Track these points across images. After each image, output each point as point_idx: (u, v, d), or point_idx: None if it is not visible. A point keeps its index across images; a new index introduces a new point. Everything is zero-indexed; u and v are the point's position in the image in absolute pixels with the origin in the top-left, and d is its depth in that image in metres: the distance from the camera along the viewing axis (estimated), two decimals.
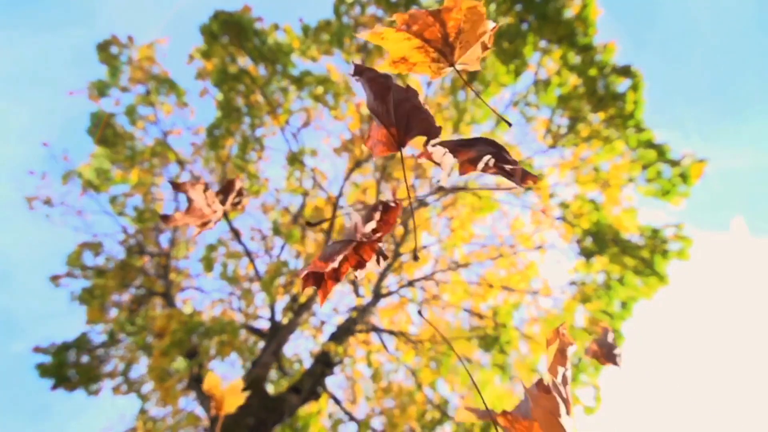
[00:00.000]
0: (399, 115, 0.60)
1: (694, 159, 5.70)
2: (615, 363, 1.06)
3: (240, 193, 0.59)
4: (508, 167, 0.57)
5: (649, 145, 5.85)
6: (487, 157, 0.58)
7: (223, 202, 0.56)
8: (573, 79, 5.93)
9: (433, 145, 0.60)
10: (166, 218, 0.56)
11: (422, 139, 0.60)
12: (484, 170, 0.58)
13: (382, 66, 0.64)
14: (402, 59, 0.63)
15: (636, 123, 5.81)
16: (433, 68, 0.64)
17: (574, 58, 5.81)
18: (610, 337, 1.10)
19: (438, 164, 0.60)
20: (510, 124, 0.63)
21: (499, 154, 0.58)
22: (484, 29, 0.61)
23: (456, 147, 0.60)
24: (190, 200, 0.52)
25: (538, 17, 5.61)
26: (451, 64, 0.63)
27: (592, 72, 5.76)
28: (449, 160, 0.60)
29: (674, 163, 5.77)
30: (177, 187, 0.54)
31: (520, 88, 6.33)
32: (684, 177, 5.71)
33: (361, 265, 0.60)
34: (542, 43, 5.83)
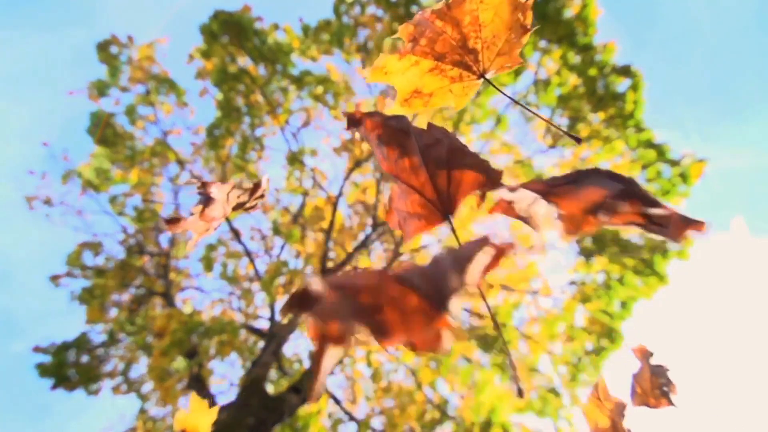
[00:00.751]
0: (432, 167, 0.41)
1: (694, 159, 5.70)
2: (670, 402, 0.74)
3: (262, 195, 0.58)
4: (654, 214, 0.32)
5: (649, 145, 5.86)
6: (614, 200, 0.34)
7: (242, 204, 0.54)
8: (573, 79, 5.93)
9: (513, 191, 0.37)
10: (171, 222, 0.54)
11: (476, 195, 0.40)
12: (612, 222, 0.33)
13: (391, 109, 0.50)
14: (414, 93, 0.48)
15: (636, 123, 5.81)
16: (455, 92, 0.48)
17: (574, 58, 5.82)
18: (653, 362, 0.78)
19: (525, 220, 0.38)
20: (579, 141, 0.46)
21: (633, 192, 0.34)
22: (516, 7, 0.45)
23: (552, 189, 0.36)
24: (209, 201, 0.50)
25: (538, 17, 5.61)
26: (481, 75, 0.48)
27: (592, 72, 5.77)
28: (542, 210, 0.36)
29: (674, 163, 5.77)
30: (203, 186, 0.52)
31: (520, 88, 6.34)
32: (684, 177, 5.72)
33: (414, 345, 0.25)
34: (542, 43, 5.84)
